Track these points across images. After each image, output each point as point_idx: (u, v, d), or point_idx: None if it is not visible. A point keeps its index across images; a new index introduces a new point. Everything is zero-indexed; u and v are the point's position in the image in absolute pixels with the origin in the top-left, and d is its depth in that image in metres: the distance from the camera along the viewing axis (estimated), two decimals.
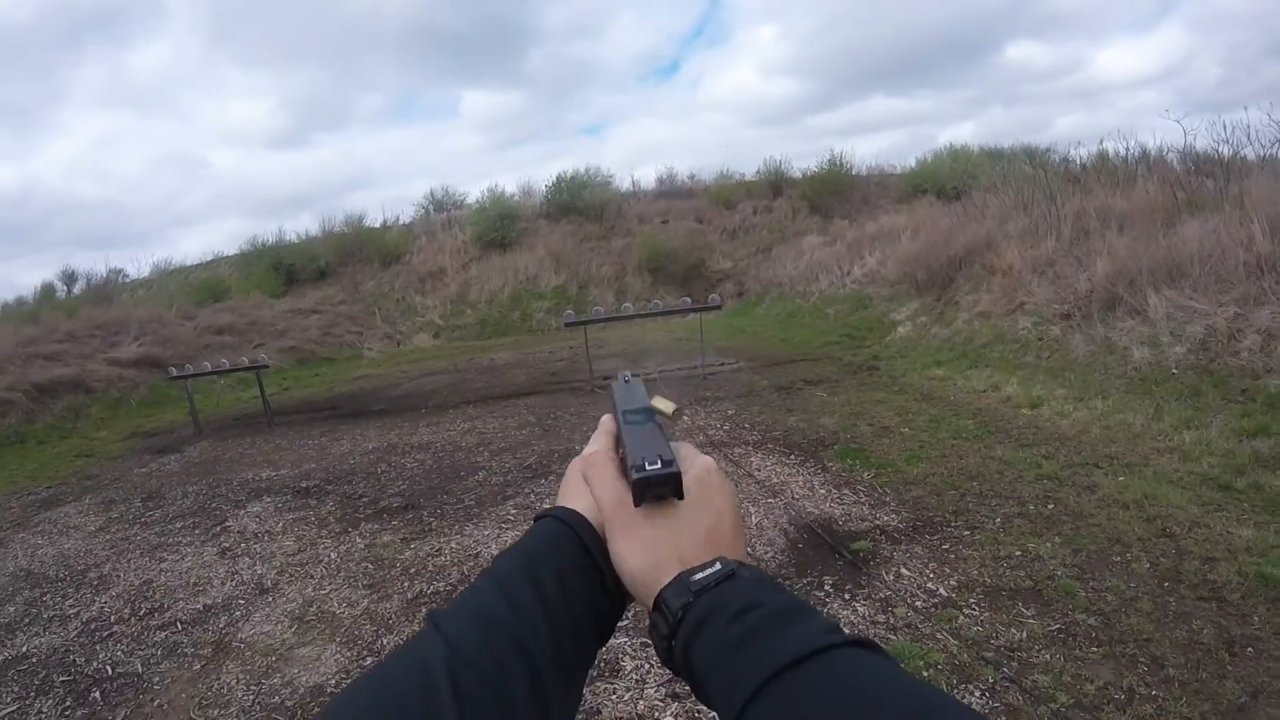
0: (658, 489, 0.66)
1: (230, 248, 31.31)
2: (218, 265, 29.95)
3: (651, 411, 0.79)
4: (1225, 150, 11.56)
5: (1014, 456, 6.70)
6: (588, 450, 0.76)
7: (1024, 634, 3.93)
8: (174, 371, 12.76)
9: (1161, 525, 5.00)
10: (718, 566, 0.61)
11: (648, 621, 0.64)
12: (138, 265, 31.08)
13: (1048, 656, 3.70)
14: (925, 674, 3.61)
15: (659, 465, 0.67)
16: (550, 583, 0.63)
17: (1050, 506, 5.53)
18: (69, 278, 27.97)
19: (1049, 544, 4.93)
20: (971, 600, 4.34)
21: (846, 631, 0.54)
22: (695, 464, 0.72)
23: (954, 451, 7.04)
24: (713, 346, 14.51)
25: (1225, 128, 12.84)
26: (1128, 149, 14.50)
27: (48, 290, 26.82)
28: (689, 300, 14.18)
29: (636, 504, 0.67)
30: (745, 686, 0.52)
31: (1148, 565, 4.52)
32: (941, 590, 4.50)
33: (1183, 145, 12.91)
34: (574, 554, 0.67)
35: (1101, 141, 18.69)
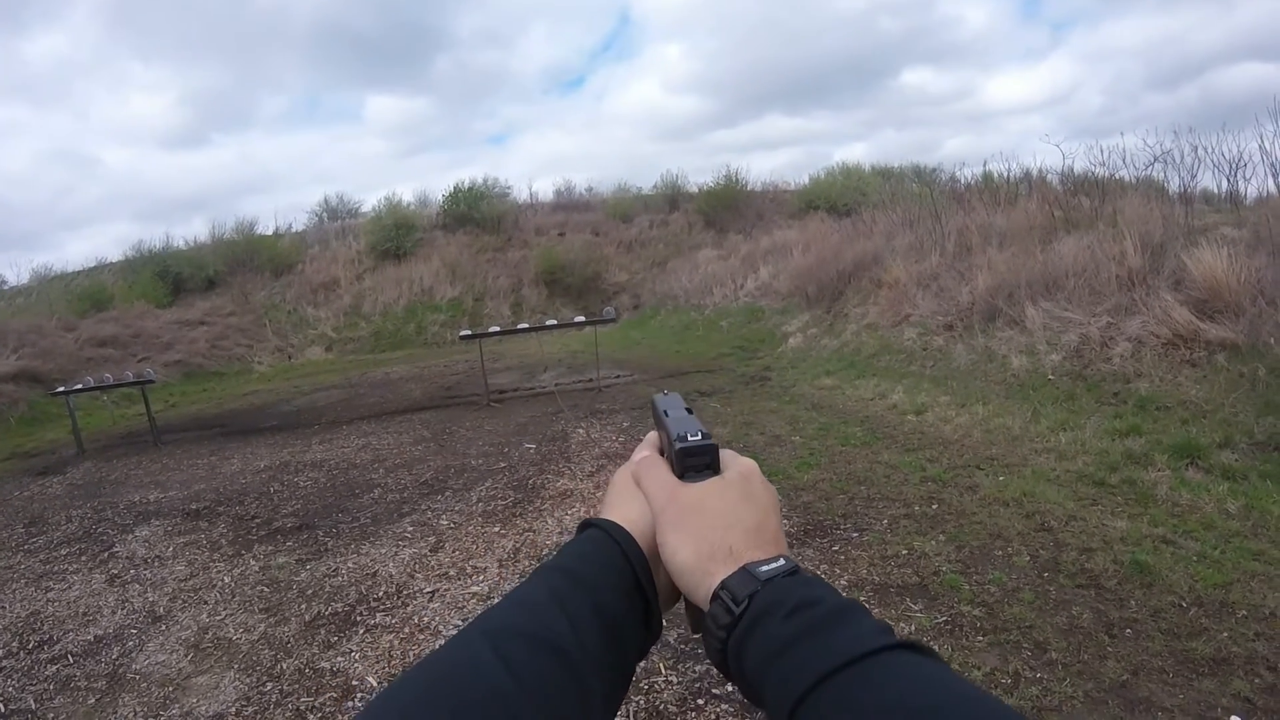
0: (697, 458, 0.71)
1: (115, 253, 29.58)
2: (101, 272, 28.13)
3: (689, 409, 0.81)
4: (1102, 172, 12.15)
5: (900, 461, 6.86)
6: (636, 456, 0.78)
7: (913, 627, 4.01)
8: (58, 387, 12.11)
9: (1040, 520, 5.18)
10: (782, 562, 0.62)
11: (690, 622, 0.67)
12: (17, 271, 29.46)
13: (936, 647, 3.75)
14: None
15: (699, 437, 0.72)
16: (610, 623, 0.62)
17: (934, 507, 5.67)
18: None
19: (934, 542, 5.04)
20: (861, 597, 4.39)
21: (899, 634, 0.52)
22: (739, 462, 0.73)
23: (843, 458, 7.16)
24: (608, 359, 14.49)
25: (1103, 151, 13.44)
26: (1010, 170, 15.14)
27: None
28: (584, 315, 14.14)
29: (680, 475, 0.71)
30: (797, 686, 0.51)
31: (1028, 558, 4.67)
32: None
33: (1062, 167, 13.52)
34: (627, 587, 0.66)
35: (986, 163, 19.46)
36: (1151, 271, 8.35)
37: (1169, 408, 6.63)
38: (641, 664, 3.51)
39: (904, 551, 4.96)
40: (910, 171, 26.43)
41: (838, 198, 26.34)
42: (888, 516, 5.59)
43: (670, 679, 3.80)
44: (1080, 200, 11.79)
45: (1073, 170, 13.16)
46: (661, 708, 3.59)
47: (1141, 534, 4.81)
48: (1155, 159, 11.29)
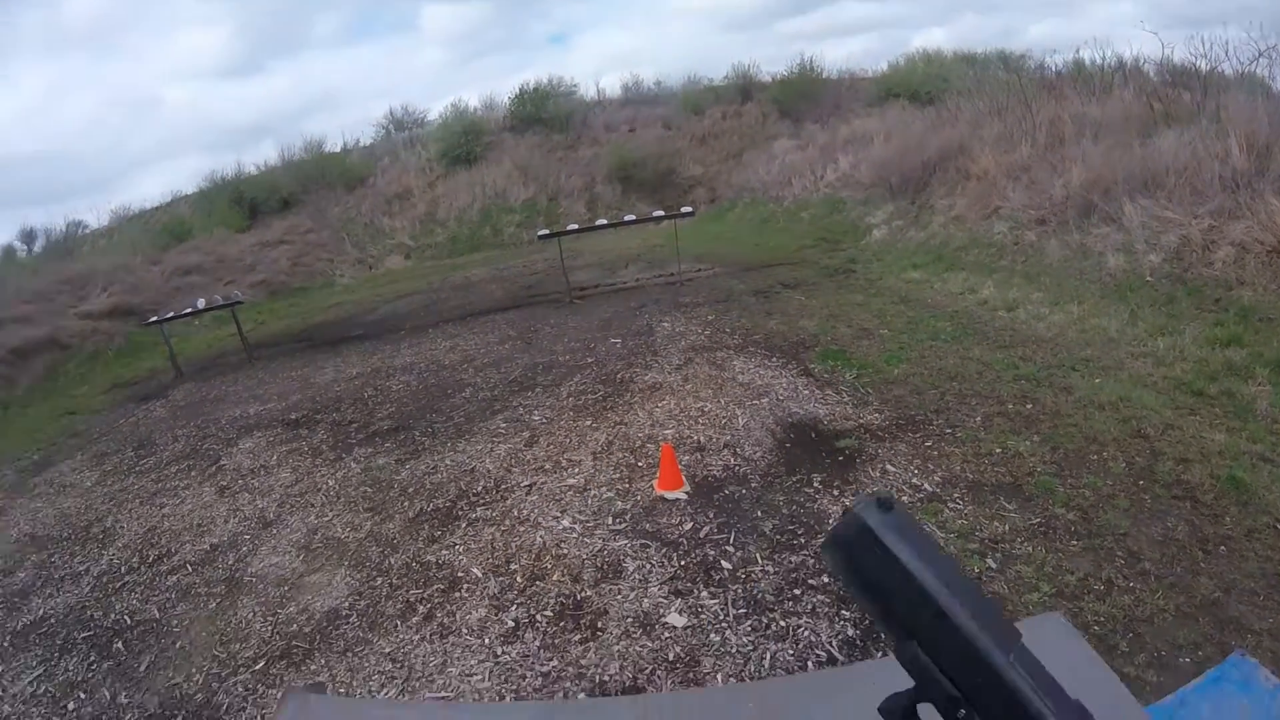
0: None
1: (190, 186, 29.56)
2: (177, 205, 28.38)
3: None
4: (1203, 64, 11.43)
5: (992, 358, 6.79)
6: None
7: (1006, 527, 4.05)
8: (150, 318, 12.62)
9: (1136, 427, 5.11)
10: None
11: None
12: (97, 214, 29.59)
13: (1030, 548, 3.82)
14: None
15: None
16: None
17: (1029, 406, 5.64)
18: (28, 236, 26.59)
19: (1028, 442, 5.04)
20: (955, 495, 4.46)
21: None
22: None
23: (933, 352, 7.12)
24: (688, 253, 14.40)
25: (1203, 43, 12.55)
26: (1104, 58, 14.31)
27: (8, 252, 25.62)
28: (661, 210, 14.03)
29: None
30: None
31: (1124, 464, 4.64)
32: (926, 485, 4.61)
33: (1160, 57, 12.76)
34: None
35: (1078, 50, 18.37)
36: (1257, 174, 7.92)
37: (1272, 319, 6.38)
38: (738, 553, 3.63)
39: (998, 450, 4.97)
40: (996, 58, 25.13)
41: (919, 85, 25.23)
42: (980, 414, 5.58)
43: (767, 569, 3.92)
44: (1180, 94, 11.17)
45: (1171, 61, 12.42)
46: (759, 597, 3.70)
47: (1239, 449, 4.69)
48: (1260, 54, 10.59)
